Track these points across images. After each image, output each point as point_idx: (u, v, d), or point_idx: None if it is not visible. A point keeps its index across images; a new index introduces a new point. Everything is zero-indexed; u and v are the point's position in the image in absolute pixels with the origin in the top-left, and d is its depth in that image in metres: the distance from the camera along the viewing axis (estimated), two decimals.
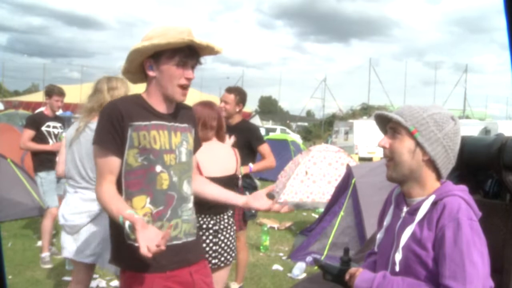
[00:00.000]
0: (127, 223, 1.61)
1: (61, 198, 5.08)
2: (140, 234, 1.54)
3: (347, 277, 1.62)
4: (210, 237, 2.75)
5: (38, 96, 39.07)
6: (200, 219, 2.70)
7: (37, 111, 6.02)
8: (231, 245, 2.85)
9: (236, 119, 4.01)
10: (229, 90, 4.02)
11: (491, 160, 1.89)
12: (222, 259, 2.79)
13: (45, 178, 4.84)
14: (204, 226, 2.74)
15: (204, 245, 2.69)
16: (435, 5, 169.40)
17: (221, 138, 2.97)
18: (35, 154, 4.91)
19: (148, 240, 1.52)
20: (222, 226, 2.81)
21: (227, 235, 2.83)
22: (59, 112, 5.48)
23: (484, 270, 1.37)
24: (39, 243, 5.19)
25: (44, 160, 4.84)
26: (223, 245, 2.80)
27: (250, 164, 3.76)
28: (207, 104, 2.91)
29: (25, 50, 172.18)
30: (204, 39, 1.83)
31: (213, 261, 2.75)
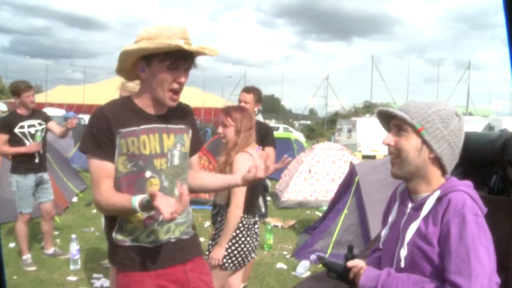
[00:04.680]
0: (144, 198, 1.60)
1: (52, 204, 5.03)
2: (160, 201, 1.53)
3: (351, 275, 1.61)
4: (254, 235, 2.91)
5: (41, 97, 39.18)
6: (245, 219, 2.84)
7: (4, 115, 5.71)
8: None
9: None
10: (247, 90, 4.04)
11: (496, 156, 1.88)
12: (256, 251, 2.98)
13: (22, 182, 4.58)
14: (248, 225, 2.86)
15: (251, 243, 2.86)
16: (435, 2, 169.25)
17: None
18: (14, 156, 4.64)
19: (169, 206, 1.54)
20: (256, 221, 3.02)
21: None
22: (62, 112, 5.34)
23: (489, 266, 1.36)
24: (43, 243, 5.20)
25: (22, 163, 4.58)
26: (258, 238, 3.02)
27: (259, 147, 3.83)
28: (243, 108, 3.00)
29: (28, 52, 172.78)
30: (196, 43, 1.77)
31: (252, 255, 2.92)
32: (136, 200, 1.63)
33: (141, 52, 1.72)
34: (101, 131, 1.75)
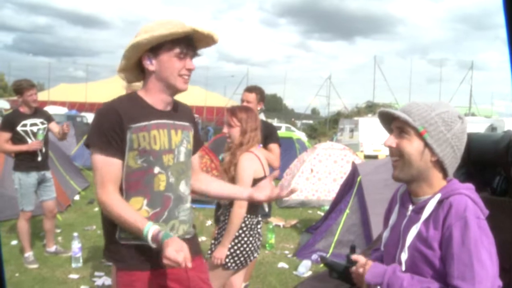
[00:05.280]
0: (161, 235, 1.65)
1: (54, 202, 5.00)
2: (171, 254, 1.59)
3: (359, 270, 1.56)
4: (257, 235, 2.90)
5: (43, 95, 39.28)
6: (248, 218, 2.82)
7: (6, 113, 5.72)
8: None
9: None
10: (250, 89, 4.04)
11: (499, 157, 1.87)
12: (259, 251, 2.97)
13: (24, 180, 4.59)
14: (251, 225, 2.85)
15: (254, 242, 2.84)
16: (438, 2, 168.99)
17: None
18: (16, 154, 4.62)
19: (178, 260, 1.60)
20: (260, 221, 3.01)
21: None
22: (64, 110, 5.32)
23: (493, 270, 1.35)
24: (45, 241, 5.21)
25: (24, 160, 4.58)
26: (261, 238, 3.00)
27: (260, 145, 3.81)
28: (249, 109, 3.00)
29: (31, 50, 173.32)
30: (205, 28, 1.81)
31: (255, 255, 2.91)
32: (150, 231, 1.66)
33: (154, 40, 1.73)
34: (111, 126, 1.75)
